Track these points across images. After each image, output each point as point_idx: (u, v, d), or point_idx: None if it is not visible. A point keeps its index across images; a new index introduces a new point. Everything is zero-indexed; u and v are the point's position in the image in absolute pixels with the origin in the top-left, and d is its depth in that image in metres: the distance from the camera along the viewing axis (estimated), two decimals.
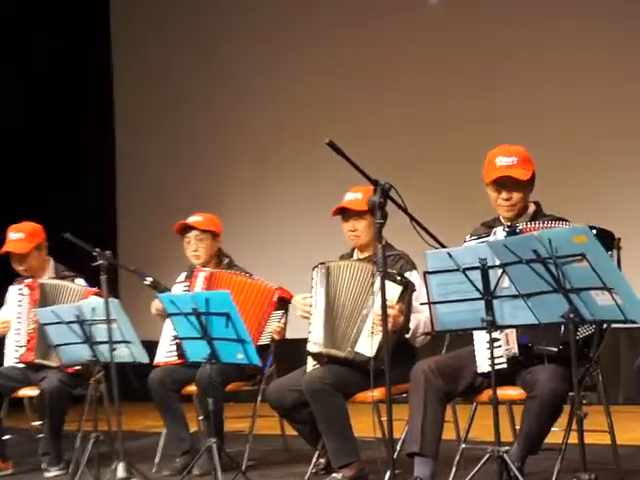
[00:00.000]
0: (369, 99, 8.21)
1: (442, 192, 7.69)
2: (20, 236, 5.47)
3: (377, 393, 4.00)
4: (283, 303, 5.07)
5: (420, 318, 4.33)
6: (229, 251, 5.40)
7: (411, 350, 4.43)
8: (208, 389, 4.50)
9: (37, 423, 5.47)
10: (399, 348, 4.14)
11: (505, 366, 3.80)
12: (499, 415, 3.54)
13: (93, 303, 4.62)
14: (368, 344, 4.16)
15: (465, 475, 3.80)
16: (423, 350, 4.49)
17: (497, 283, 3.43)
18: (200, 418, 5.10)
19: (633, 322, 3.18)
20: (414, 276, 4.42)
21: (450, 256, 3.48)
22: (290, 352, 5.09)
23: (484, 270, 3.43)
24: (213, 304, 4.17)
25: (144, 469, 4.86)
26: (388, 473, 3.75)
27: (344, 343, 4.33)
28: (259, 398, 5.10)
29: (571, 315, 3.23)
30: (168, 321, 4.91)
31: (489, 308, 3.46)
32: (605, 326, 3.86)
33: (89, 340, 4.56)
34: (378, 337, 4.09)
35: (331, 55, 8.37)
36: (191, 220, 5.26)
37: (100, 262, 4.58)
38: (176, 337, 4.74)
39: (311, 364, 4.42)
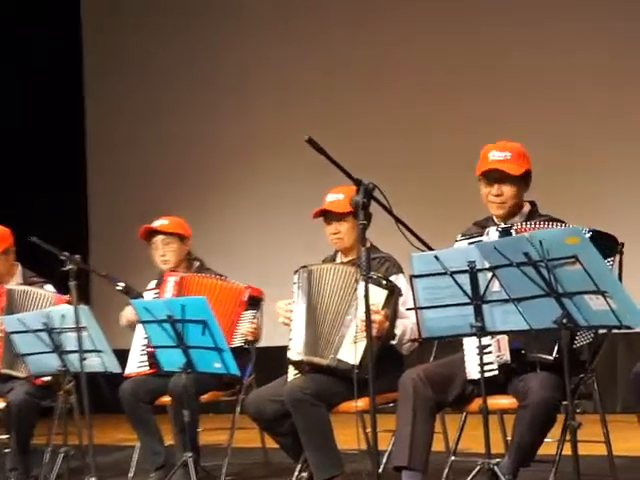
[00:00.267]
0: (369, 99, 8.21)
1: (442, 192, 7.67)
2: None
3: (361, 403, 3.90)
4: (254, 302, 4.97)
5: (407, 324, 4.25)
6: (208, 255, 5.30)
7: (398, 358, 4.35)
8: (182, 399, 4.43)
9: (3, 437, 5.35)
10: (385, 355, 4.06)
11: (497, 373, 3.71)
12: (490, 425, 3.46)
13: (62, 310, 4.56)
14: (352, 351, 4.08)
15: None
16: (411, 358, 4.42)
17: (487, 287, 3.35)
18: (174, 431, 4.99)
19: (628, 328, 3.10)
20: (400, 280, 4.35)
21: (437, 259, 3.39)
22: (270, 360, 4.99)
23: (473, 273, 3.35)
24: (189, 311, 4.14)
25: None
26: None
27: (327, 350, 4.25)
28: (238, 409, 5.01)
29: (564, 320, 3.16)
30: (138, 329, 4.86)
31: (478, 313, 3.38)
32: (604, 332, 3.77)
33: (58, 349, 4.51)
34: (362, 344, 4.00)
35: (331, 55, 8.38)
36: (157, 224, 5.18)
37: (69, 267, 4.49)
38: (148, 346, 4.68)
39: (292, 373, 4.35)
